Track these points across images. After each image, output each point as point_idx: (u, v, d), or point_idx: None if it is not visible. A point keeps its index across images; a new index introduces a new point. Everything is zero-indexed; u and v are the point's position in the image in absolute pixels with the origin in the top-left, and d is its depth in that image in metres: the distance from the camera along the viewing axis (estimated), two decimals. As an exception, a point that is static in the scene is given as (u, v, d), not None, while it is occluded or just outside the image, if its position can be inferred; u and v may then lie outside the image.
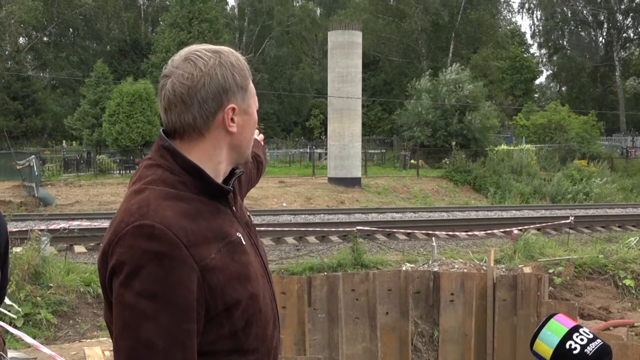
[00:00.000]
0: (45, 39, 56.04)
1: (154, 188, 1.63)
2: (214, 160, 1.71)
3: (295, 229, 15.43)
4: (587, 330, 1.26)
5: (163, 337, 1.51)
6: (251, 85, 1.76)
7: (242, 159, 1.80)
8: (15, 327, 7.91)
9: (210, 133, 1.70)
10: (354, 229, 13.09)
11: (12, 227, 13.21)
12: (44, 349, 4.55)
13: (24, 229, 12.79)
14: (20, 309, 7.98)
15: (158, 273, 1.51)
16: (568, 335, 1.24)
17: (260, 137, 2.72)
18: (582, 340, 1.23)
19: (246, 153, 1.79)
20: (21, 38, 50.77)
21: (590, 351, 1.22)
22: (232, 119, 1.70)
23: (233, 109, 1.69)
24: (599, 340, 1.23)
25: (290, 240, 14.63)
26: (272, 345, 1.77)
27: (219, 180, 1.73)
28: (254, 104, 1.78)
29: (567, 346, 1.23)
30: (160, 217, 1.55)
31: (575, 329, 1.25)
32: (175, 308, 1.52)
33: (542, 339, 1.26)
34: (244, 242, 1.71)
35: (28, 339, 5.36)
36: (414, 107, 36.36)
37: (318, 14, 62.81)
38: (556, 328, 1.26)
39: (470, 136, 34.54)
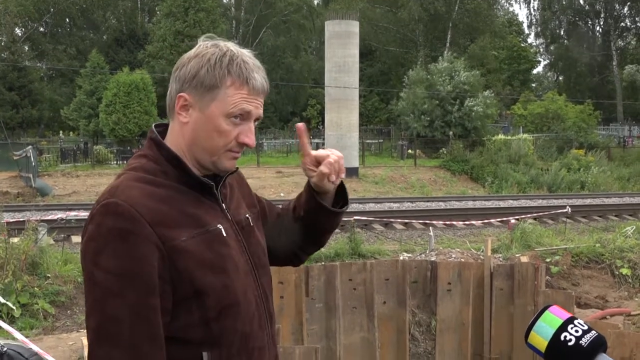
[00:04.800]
0: (41, 29, 55.79)
1: (130, 173, 1.69)
2: (178, 148, 1.73)
3: (292, 218, 15.40)
4: (581, 322, 1.25)
5: (129, 313, 1.54)
6: (226, 91, 1.68)
7: (205, 162, 1.73)
8: (12, 317, 7.92)
9: (174, 117, 1.75)
10: (352, 218, 13.08)
11: (9, 217, 13.21)
12: (33, 346, 4.55)
13: (21, 219, 12.78)
14: (14, 307, 7.96)
15: (123, 249, 1.55)
16: (563, 327, 1.24)
17: None
18: (576, 331, 1.23)
19: (207, 157, 1.72)
20: (17, 28, 50.51)
21: (585, 342, 1.22)
22: (185, 109, 1.71)
23: (184, 99, 1.70)
24: (593, 332, 1.23)
25: (287, 230, 14.61)
26: (255, 344, 1.74)
27: (201, 171, 1.75)
28: (217, 109, 1.68)
29: (562, 338, 1.23)
30: (126, 196, 1.60)
31: (570, 320, 1.25)
32: (139, 283, 1.55)
33: (537, 331, 1.26)
34: (224, 234, 1.72)
35: (17, 334, 5.36)
36: (408, 96, 36.32)
37: (315, 3, 62.55)
38: (551, 320, 1.26)
39: (469, 126, 34.48)
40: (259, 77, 1.73)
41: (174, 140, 1.74)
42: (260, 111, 1.75)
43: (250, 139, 1.73)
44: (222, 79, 1.68)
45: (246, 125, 1.72)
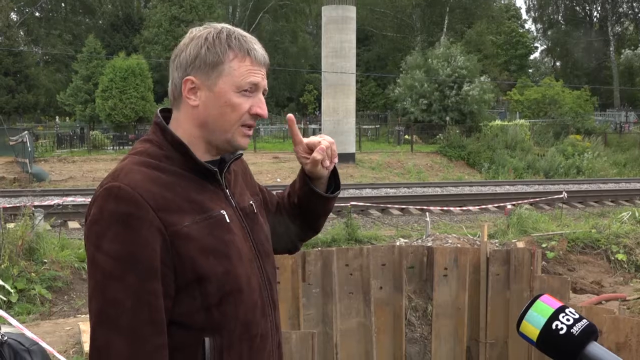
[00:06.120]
0: (36, 14, 55.46)
1: (134, 157, 1.69)
2: (188, 134, 1.73)
3: (289, 204, 15.39)
4: (573, 311, 1.26)
5: (130, 297, 1.55)
6: (230, 65, 1.70)
7: (219, 142, 1.74)
8: (9, 302, 7.93)
9: (181, 104, 1.75)
10: (348, 204, 13.10)
11: (5, 203, 13.20)
12: (27, 332, 4.56)
13: (17, 204, 12.75)
14: (12, 291, 7.97)
15: (125, 233, 1.55)
16: (554, 316, 1.24)
17: None
18: (568, 320, 1.24)
19: (221, 136, 1.73)
20: (12, 13, 50.21)
21: (577, 331, 1.22)
22: (193, 92, 1.72)
23: (191, 82, 1.71)
24: (585, 321, 1.24)
25: (284, 215, 14.60)
26: (257, 332, 1.74)
27: (207, 157, 1.75)
28: (226, 85, 1.70)
29: (554, 327, 1.23)
30: (129, 180, 1.60)
31: (562, 309, 1.25)
32: (141, 268, 1.56)
33: (529, 320, 1.26)
34: (227, 221, 1.72)
35: (12, 320, 5.37)
36: (405, 80, 36.21)
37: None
38: (542, 309, 1.26)
39: (466, 110, 34.41)
40: (259, 48, 1.76)
41: (180, 127, 1.74)
42: (266, 82, 1.79)
43: (262, 109, 1.76)
44: (224, 54, 1.70)
45: (256, 97, 1.75)
